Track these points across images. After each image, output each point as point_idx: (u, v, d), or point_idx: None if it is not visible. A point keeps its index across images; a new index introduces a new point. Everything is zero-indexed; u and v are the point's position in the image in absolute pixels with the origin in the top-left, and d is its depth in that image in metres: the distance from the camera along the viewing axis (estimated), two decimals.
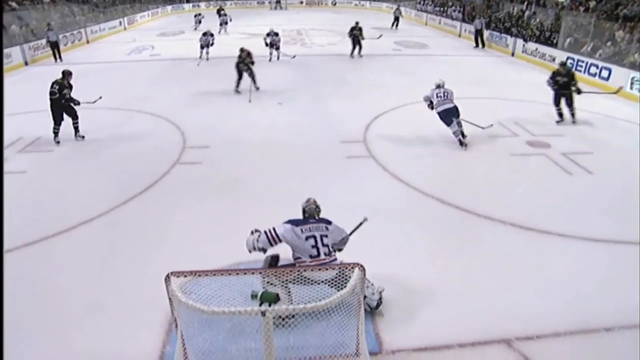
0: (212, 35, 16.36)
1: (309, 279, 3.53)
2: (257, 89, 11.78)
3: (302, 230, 3.85)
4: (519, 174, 7.12)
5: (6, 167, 7.37)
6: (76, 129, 8.36)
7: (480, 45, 18.59)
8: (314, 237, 3.85)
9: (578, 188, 6.67)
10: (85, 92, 8.83)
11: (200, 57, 15.86)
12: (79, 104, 8.17)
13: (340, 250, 4.17)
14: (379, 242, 5.20)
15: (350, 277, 3.57)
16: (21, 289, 4.52)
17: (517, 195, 6.39)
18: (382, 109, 10.14)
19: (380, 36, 18.36)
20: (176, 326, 3.30)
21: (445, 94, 8.06)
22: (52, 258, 5.06)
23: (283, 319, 3.04)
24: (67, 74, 8.11)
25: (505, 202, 6.18)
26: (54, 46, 16.12)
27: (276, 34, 15.78)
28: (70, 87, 8.15)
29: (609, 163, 7.42)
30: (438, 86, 8.23)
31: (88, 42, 20.52)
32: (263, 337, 2.71)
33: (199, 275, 3.10)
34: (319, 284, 3.57)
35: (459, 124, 7.94)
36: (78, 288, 4.55)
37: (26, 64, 15.65)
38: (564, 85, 9.23)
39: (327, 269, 3.64)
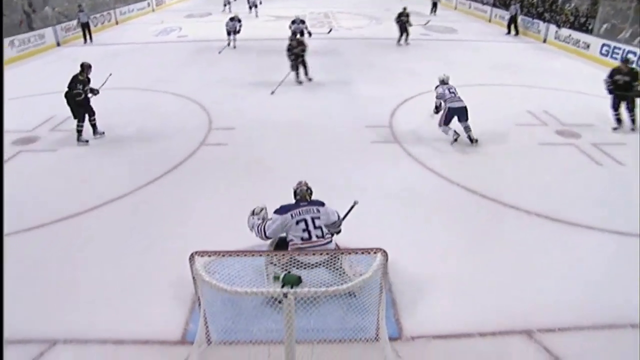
0: (239, 20, 15.16)
1: (301, 262, 3.56)
2: (310, 80, 11.07)
3: (292, 215, 3.87)
4: (547, 164, 6.96)
5: (38, 145, 7.59)
6: (94, 126, 7.77)
7: (513, 32, 17.99)
8: (305, 220, 3.87)
9: (608, 180, 6.49)
10: (115, 72, 8.93)
11: (228, 44, 14.93)
12: (98, 92, 7.65)
13: (338, 232, 4.16)
14: (401, 228, 5.21)
15: (341, 260, 3.67)
16: (48, 264, 4.70)
17: (544, 186, 6.26)
18: (409, 94, 10.01)
19: (428, 22, 17.05)
20: (199, 305, 3.38)
21: (455, 91, 7.59)
22: (80, 235, 5.20)
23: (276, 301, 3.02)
24: (86, 68, 7.45)
25: (531, 192, 6.06)
26: (85, 27, 16.35)
27: (302, 21, 14.35)
28: (89, 80, 7.55)
29: None
30: (444, 82, 7.71)
31: (117, 23, 20.73)
32: (284, 319, 2.75)
33: (223, 256, 3.16)
34: (312, 267, 3.60)
35: (467, 129, 7.42)
36: (103, 265, 4.68)
37: (58, 44, 15.93)
38: (624, 86, 7.93)
39: (321, 253, 3.69)
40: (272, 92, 10.25)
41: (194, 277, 3.12)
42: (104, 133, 7.88)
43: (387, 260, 3.05)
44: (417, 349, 3.64)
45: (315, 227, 3.87)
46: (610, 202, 5.88)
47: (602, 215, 5.50)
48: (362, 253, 3.12)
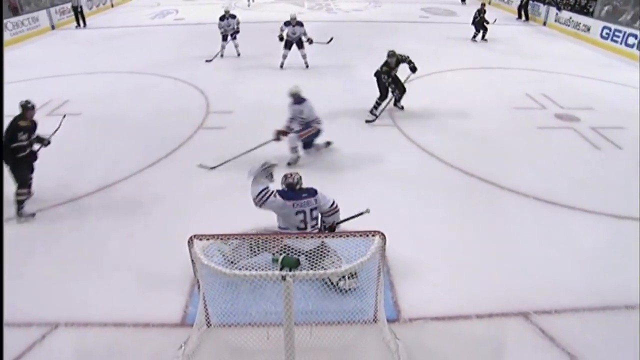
0: (234, 17, 11.52)
1: (291, 248, 3.61)
2: (401, 108, 8.23)
3: (294, 205, 3.88)
4: (545, 148, 6.95)
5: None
6: (21, 202, 5.16)
7: (523, 18, 17.63)
8: (304, 212, 3.92)
9: (605, 163, 6.50)
10: (111, 56, 8.84)
11: (221, 55, 11.62)
12: (48, 143, 5.44)
13: (332, 230, 4.13)
14: (399, 211, 5.22)
15: (328, 250, 3.76)
16: (48, 248, 4.72)
17: (542, 170, 6.26)
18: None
19: (495, 21, 15.50)
20: (198, 288, 3.40)
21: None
22: (78, 219, 5.20)
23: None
24: (28, 110, 5.16)
25: (529, 175, 6.07)
26: (77, 10, 15.94)
27: (299, 24, 10.29)
28: (35, 126, 5.32)
29: None
30: (299, 96, 6.26)
31: (113, 5, 20.50)
32: (283, 301, 2.77)
33: (221, 239, 3.17)
34: (299, 254, 3.65)
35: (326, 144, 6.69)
36: (102, 249, 4.69)
37: (53, 27, 15.71)
38: None
39: (311, 237, 3.73)
40: (371, 121, 7.84)
41: (192, 261, 3.14)
42: (34, 215, 5.22)
43: (385, 242, 3.07)
44: (414, 331, 3.68)
45: (312, 219, 3.95)
46: (607, 185, 5.89)
47: (600, 199, 5.52)
48: (360, 236, 3.13)
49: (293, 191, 3.95)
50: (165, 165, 6.37)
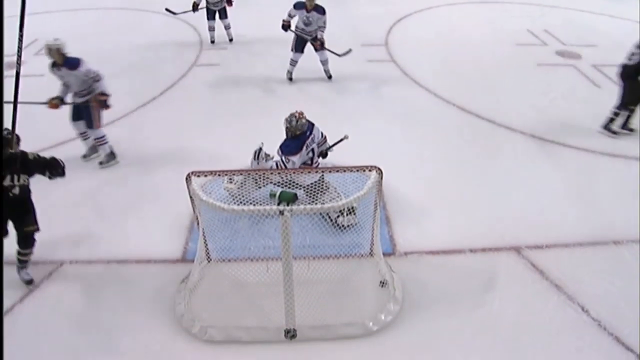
0: None
1: (294, 182, 3.67)
2: (631, 130, 5.56)
3: (306, 147, 3.93)
4: (544, 85, 6.85)
5: (24, 70, 7.25)
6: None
7: None
8: (313, 149, 3.99)
9: (605, 101, 6.38)
10: None
11: (212, 41, 8.22)
12: (61, 171, 3.74)
13: (324, 157, 4.29)
14: (396, 147, 5.24)
15: (328, 186, 3.85)
16: (49, 189, 4.68)
17: (541, 107, 6.20)
18: (406, 11, 9.62)
19: None
20: (198, 224, 3.45)
21: None
22: (75, 160, 5.13)
23: None
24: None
25: (527, 113, 6.03)
26: None
27: (319, 10, 6.33)
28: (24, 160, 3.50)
29: None
30: (75, 61, 4.98)
31: None
32: (281, 235, 2.82)
33: (219, 175, 3.18)
34: (299, 188, 3.73)
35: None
36: (102, 189, 4.73)
37: None
38: None
39: (309, 172, 3.80)
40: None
41: (191, 197, 3.16)
42: (31, 281, 3.64)
43: (381, 177, 3.09)
44: (409, 264, 3.79)
45: (316, 153, 4.05)
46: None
47: (596, 137, 5.53)
48: (357, 171, 3.14)
49: (297, 135, 3.94)
50: (160, 105, 6.27)
